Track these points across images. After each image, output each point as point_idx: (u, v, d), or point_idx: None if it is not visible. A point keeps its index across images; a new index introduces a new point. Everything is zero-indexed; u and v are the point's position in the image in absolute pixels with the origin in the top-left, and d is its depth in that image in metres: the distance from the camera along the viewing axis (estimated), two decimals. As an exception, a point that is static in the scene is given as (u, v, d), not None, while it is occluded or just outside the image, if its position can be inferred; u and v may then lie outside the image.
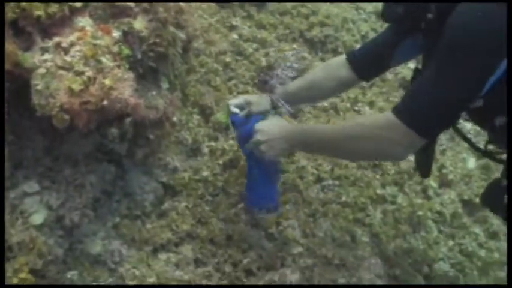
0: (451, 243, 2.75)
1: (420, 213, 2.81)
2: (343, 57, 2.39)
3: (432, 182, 3.04)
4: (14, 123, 1.91)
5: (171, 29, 2.06)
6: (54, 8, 1.68)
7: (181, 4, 2.02)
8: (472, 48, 1.45)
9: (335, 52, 3.83)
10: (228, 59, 3.41)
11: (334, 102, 3.40)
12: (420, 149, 2.02)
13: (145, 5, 1.94)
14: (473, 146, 2.01)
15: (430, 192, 2.97)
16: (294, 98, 2.45)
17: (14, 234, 1.85)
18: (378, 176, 2.99)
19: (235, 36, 3.63)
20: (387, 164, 3.05)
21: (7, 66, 1.64)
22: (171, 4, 1.96)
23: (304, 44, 3.84)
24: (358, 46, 2.56)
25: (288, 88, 2.51)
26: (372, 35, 4.09)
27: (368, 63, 2.29)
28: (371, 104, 3.54)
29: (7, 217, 1.88)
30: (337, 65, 2.39)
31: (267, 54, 3.53)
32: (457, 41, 1.48)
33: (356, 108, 3.48)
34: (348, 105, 3.47)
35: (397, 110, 1.61)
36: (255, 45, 3.59)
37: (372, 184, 2.91)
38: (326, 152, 1.96)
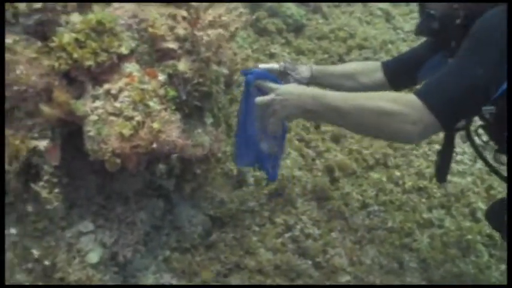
0: (503, 267, 2.70)
1: (469, 236, 2.77)
2: (378, 62, 2.50)
3: (480, 203, 3.00)
4: (68, 165, 1.99)
5: (214, 67, 2.12)
6: (103, 56, 1.76)
7: (221, 41, 2.06)
8: (495, 40, 1.55)
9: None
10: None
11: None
12: (439, 152, 2.06)
13: (188, 46, 2.01)
14: (486, 162, 2.08)
15: (479, 215, 2.93)
16: (329, 80, 2.47)
17: (72, 273, 1.93)
18: (423, 200, 2.97)
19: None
20: (433, 187, 3.03)
21: (61, 114, 1.73)
22: (212, 42, 2.01)
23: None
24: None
25: (327, 70, 2.52)
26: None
27: (399, 72, 2.40)
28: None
29: (63, 256, 1.96)
30: (374, 66, 2.48)
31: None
32: (482, 33, 1.58)
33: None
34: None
35: (420, 92, 1.62)
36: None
37: (418, 208, 2.89)
38: (338, 120, 1.78)
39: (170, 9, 2.04)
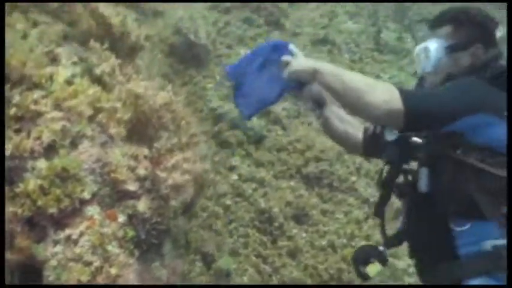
0: None
1: None
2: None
3: None
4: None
5: (173, 203, 2.23)
6: (66, 202, 1.85)
7: (187, 186, 2.19)
8: (464, 87, 1.84)
9: (331, 187, 4.01)
10: (228, 202, 3.58)
11: (331, 240, 3.54)
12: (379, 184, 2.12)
13: (148, 185, 2.12)
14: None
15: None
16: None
17: None
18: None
19: (235, 177, 3.83)
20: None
21: (22, 259, 1.80)
22: (177, 185, 2.13)
23: (301, 180, 4.03)
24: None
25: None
26: (366, 165, 4.30)
27: (372, 141, 2.36)
28: (367, 238, 3.67)
29: None
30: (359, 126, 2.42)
31: (265, 194, 3.71)
32: (455, 83, 1.88)
33: (353, 243, 3.60)
34: (345, 241, 3.60)
35: (401, 89, 1.79)
36: (254, 185, 3.78)
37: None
38: (335, 82, 1.87)
39: (133, 148, 2.17)
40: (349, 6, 6.97)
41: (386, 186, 2.05)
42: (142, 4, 5.26)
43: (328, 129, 2.43)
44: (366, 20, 6.75)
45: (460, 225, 1.75)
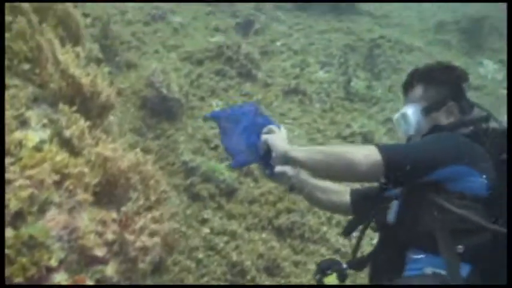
0: None
1: None
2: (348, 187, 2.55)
3: None
4: None
5: (141, 265, 2.25)
6: (33, 270, 1.86)
7: (148, 242, 2.21)
8: (441, 141, 1.98)
9: (302, 238, 4.05)
10: (200, 255, 3.59)
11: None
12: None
13: (116, 248, 2.14)
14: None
15: None
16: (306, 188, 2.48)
17: None
18: None
19: (207, 230, 3.85)
20: None
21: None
22: (146, 248, 2.16)
23: (273, 232, 4.06)
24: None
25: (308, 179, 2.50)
26: (337, 215, 4.35)
27: (361, 201, 2.42)
28: (339, 290, 3.69)
29: None
30: (345, 189, 2.52)
31: (237, 247, 3.73)
32: (437, 134, 2.05)
33: None
34: None
35: (377, 144, 1.98)
36: (225, 238, 3.80)
37: None
38: (314, 161, 2.06)
39: (102, 213, 2.20)
40: (321, 55, 7.17)
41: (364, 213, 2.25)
42: (116, 57, 5.36)
43: (314, 203, 2.62)
44: (337, 69, 6.92)
45: (415, 254, 1.88)
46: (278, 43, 7.28)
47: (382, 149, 1.87)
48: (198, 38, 6.70)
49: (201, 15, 7.95)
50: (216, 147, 4.64)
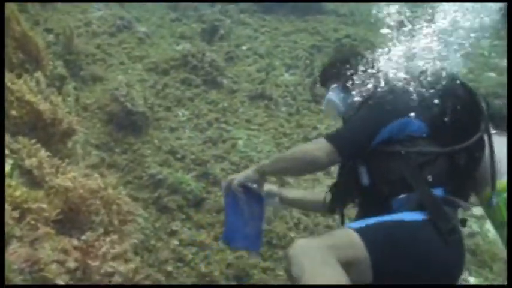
0: None
1: None
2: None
3: None
4: None
5: (105, 289, 2.33)
6: (-4, 305, 1.94)
7: (110, 268, 2.30)
8: (377, 105, 2.32)
9: (270, 244, 4.16)
10: (169, 268, 3.67)
11: None
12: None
13: (79, 275, 2.23)
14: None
15: None
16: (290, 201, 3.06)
17: None
18: None
19: (175, 242, 3.94)
20: None
21: None
22: (101, 270, 2.24)
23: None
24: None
25: (288, 195, 3.03)
26: (304, 220, 4.47)
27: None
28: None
29: None
30: (319, 193, 2.92)
31: (206, 258, 3.83)
32: (370, 102, 2.37)
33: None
34: None
35: (326, 134, 2.32)
36: (194, 249, 3.90)
37: None
38: (280, 167, 2.47)
39: (63, 241, 2.28)
40: (287, 58, 7.26)
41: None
42: (81, 71, 5.40)
43: (293, 206, 3.37)
44: (302, 71, 7.03)
45: (396, 196, 2.20)
46: (244, 47, 7.36)
47: (330, 138, 2.25)
48: (163, 46, 6.75)
49: (166, 22, 8.00)
50: (182, 158, 4.73)
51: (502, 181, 2.18)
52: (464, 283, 4.15)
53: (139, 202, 4.15)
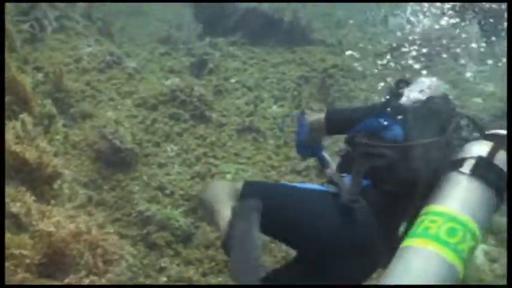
0: None
1: None
2: None
3: None
4: None
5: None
6: None
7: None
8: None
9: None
10: (157, 305, 3.70)
11: None
12: None
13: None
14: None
15: None
16: None
17: None
18: None
19: (164, 278, 3.97)
20: None
21: None
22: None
23: (228, 274, 4.19)
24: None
25: None
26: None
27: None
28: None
29: None
30: None
31: (193, 294, 3.86)
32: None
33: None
34: None
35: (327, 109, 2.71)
36: (182, 286, 3.93)
37: None
38: None
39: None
40: (275, 90, 7.36)
41: None
42: (71, 109, 5.47)
43: None
44: (290, 102, 7.12)
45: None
46: (232, 80, 7.46)
47: (329, 112, 2.69)
48: (152, 81, 6.84)
49: (156, 56, 8.12)
50: (171, 194, 4.78)
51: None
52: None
53: (128, 239, 4.19)
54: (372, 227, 2.25)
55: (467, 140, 2.39)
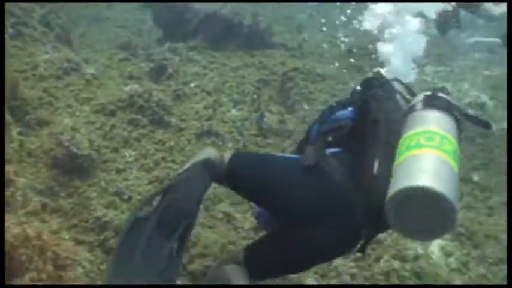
0: None
1: None
2: None
3: None
4: None
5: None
6: None
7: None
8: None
9: (216, 280, 4.23)
10: (114, 310, 3.70)
11: None
12: None
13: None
14: None
15: None
16: None
17: None
18: None
19: (121, 283, 3.98)
20: None
21: None
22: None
23: (187, 277, 4.22)
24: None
25: None
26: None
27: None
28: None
29: None
30: None
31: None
32: None
33: None
34: None
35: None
36: (140, 289, 3.94)
37: None
38: None
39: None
40: (234, 93, 7.43)
41: None
42: (27, 116, 5.43)
43: None
44: (249, 106, 7.20)
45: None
46: (192, 85, 7.50)
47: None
48: (111, 87, 6.83)
49: (115, 62, 8.11)
50: (129, 199, 4.79)
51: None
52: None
53: (85, 245, 4.19)
54: (340, 181, 2.49)
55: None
